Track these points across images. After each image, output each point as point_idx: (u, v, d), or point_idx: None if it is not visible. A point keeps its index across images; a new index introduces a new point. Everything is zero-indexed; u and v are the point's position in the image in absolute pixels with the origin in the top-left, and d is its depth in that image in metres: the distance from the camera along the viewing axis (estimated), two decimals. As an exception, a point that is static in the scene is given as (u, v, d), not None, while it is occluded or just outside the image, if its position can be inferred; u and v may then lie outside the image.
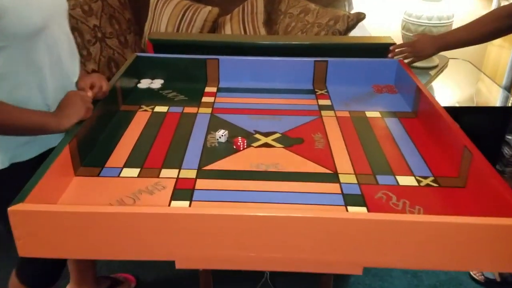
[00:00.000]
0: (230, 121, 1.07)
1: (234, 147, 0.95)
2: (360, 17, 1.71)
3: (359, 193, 0.81)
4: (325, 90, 1.26)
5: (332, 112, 1.13)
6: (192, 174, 0.86)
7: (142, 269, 1.54)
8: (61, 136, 0.93)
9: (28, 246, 0.68)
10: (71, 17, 1.93)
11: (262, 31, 1.94)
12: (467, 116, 1.70)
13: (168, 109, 1.13)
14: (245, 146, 0.96)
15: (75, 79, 1.00)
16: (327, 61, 1.27)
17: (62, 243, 0.67)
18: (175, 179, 0.84)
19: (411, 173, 0.87)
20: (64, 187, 0.81)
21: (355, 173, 0.87)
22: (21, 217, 0.65)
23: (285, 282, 1.27)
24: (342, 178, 0.85)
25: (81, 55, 1.93)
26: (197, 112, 1.12)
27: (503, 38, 1.36)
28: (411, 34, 2.03)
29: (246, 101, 1.20)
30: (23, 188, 0.70)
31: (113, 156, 0.92)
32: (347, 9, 2.07)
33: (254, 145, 0.97)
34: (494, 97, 1.94)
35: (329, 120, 1.09)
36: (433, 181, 0.85)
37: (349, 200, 0.79)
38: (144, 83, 1.28)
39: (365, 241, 0.65)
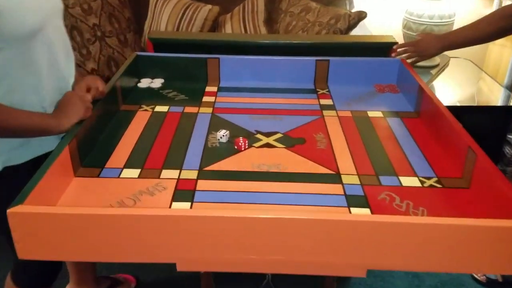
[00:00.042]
0: (231, 121, 1.07)
1: (236, 147, 0.95)
2: (361, 16, 1.70)
3: (362, 194, 0.80)
4: (327, 90, 1.25)
5: (334, 112, 1.12)
6: (193, 174, 0.86)
7: (142, 270, 1.54)
8: (57, 139, 0.93)
9: (27, 249, 0.67)
10: (70, 15, 1.92)
11: (263, 30, 1.93)
12: (468, 116, 1.69)
13: (169, 108, 1.12)
14: (247, 147, 0.95)
15: (71, 80, 0.99)
16: (328, 60, 1.26)
17: (62, 245, 0.67)
18: (176, 180, 0.84)
19: (414, 174, 0.86)
20: (63, 188, 0.80)
21: (357, 174, 0.86)
22: (20, 219, 0.65)
23: (287, 283, 1.26)
24: (345, 179, 0.84)
25: (80, 54, 1.92)
26: (198, 112, 1.11)
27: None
28: (413, 33, 2.03)
29: (247, 100, 1.19)
30: (22, 190, 0.69)
31: (113, 156, 0.91)
32: (348, 7, 2.06)
33: (255, 145, 0.96)
34: (496, 96, 1.93)
35: (331, 120, 1.08)
36: (436, 181, 0.84)
37: (352, 201, 0.78)
38: (144, 83, 1.27)
39: (368, 244, 0.64)
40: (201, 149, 0.94)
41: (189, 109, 1.12)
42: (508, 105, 1.79)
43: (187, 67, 1.28)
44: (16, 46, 0.82)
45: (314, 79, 1.29)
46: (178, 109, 1.12)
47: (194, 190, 0.81)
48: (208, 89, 1.25)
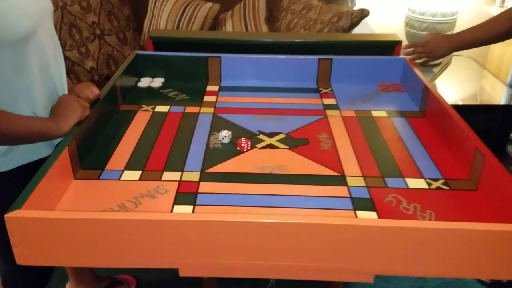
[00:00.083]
0: (233, 121, 1.05)
1: (238, 148, 0.93)
2: (364, 13, 1.68)
3: (368, 196, 0.78)
4: (330, 89, 1.23)
5: (338, 111, 1.10)
6: (195, 177, 0.84)
7: (142, 271, 1.52)
8: (47, 147, 0.91)
9: (26, 254, 0.65)
10: (69, 13, 1.90)
11: (264, 28, 1.91)
12: (471, 115, 1.68)
13: (169, 108, 1.11)
14: (249, 148, 0.93)
15: (63, 83, 0.97)
16: (331, 59, 1.25)
17: (61, 250, 0.65)
18: (177, 182, 0.82)
19: (421, 176, 0.84)
20: (63, 191, 0.78)
21: (363, 176, 0.84)
22: (18, 224, 0.63)
23: (291, 287, 1.24)
24: (350, 181, 0.83)
25: (79, 52, 1.90)
26: (199, 112, 1.09)
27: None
28: (415, 31, 2.01)
29: (249, 100, 1.17)
30: (21, 193, 0.67)
31: (114, 158, 0.89)
32: (350, 5, 2.04)
33: (258, 146, 0.94)
34: (498, 95, 1.91)
35: (335, 120, 1.06)
36: (443, 183, 0.82)
37: (358, 204, 0.76)
38: (145, 82, 1.25)
39: (376, 249, 0.63)
40: (203, 150, 0.92)
41: (190, 109, 1.10)
42: (511, 104, 1.77)
43: (188, 66, 1.26)
44: (8, 51, 0.80)
45: (317, 78, 1.27)
46: (179, 109, 1.11)
47: (196, 192, 0.79)
48: (209, 88, 1.23)
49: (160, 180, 0.83)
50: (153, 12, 2.09)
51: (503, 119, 1.78)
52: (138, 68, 1.27)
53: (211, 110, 1.10)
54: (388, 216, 0.73)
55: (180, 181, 0.82)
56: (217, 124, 1.03)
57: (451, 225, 0.63)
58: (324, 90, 1.22)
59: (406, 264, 0.64)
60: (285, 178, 0.84)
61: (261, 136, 0.98)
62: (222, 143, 0.95)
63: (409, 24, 2.03)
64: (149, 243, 0.64)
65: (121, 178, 0.83)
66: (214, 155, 0.91)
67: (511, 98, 1.81)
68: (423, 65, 1.26)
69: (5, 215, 0.62)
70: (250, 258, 0.65)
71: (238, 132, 0.99)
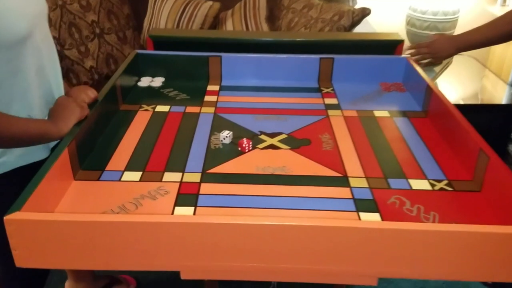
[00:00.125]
0: (234, 121, 1.04)
1: (239, 148, 0.92)
2: (365, 12, 1.67)
3: (371, 198, 0.78)
4: (331, 88, 1.22)
5: (339, 111, 1.09)
6: (196, 177, 0.83)
7: (142, 271, 1.51)
8: (43, 150, 0.90)
9: (25, 256, 0.64)
10: (68, 12, 1.89)
11: (265, 26, 1.90)
12: (472, 114, 1.67)
13: (170, 108, 1.10)
14: (250, 148, 0.92)
15: (59, 86, 0.95)
16: (333, 58, 1.24)
17: (61, 253, 0.64)
18: (178, 183, 0.81)
19: (424, 177, 0.83)
20: (62, 192, 0.77)
21: (365, 177, 0.83)
22: (17, 226, 0.62)
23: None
24: (353, 182, 0.82)
25: (79, 51, 1.89)
26: (200, 112, 1.08)
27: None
28: (416, 30, 2.00)
29: (250, 100, 1.16)
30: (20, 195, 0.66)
31: (114, 158, 0.88)
32: (351, 4, 2.03)
33: (259, 147, 0.94)
34: (500, 94, 1.91)
35: (337, 120, 1.05)
36: (447, 184, 0.81)
37: (361, 205, 0.76)
38: (145, 81, 1.24)
39: (380, 251, 0.62)
40: (204, 151, 0.92)
41: (190, 109, 1.10)
42: (513, 103, 1.76)
43: (188, 65, 1.25)
44: (5, 53, 0.79)
45: (318, 77, 1.26)
46: (180, 109, 1.10)
47: (198, 194, 0.78)
48: (209, 88, 1.22)
49: (160, 181, 0.82)
50: (153, 11, 2.08)
51: (504, 119, 1.77)
52: (138, 67, 1.26)
53: (211, 110, 1.10)
54: (391, 218, 0.72)
55: (181, 182, 0.81)
56: (218, 124, 1.02)
57: (456, 228, 0.63)
58: (326, 90, 1.21)
59: (410, 267, 0.63)
60: (287, 179, 0.83)
61: (263, 137, 0.98)
62: (223, 144, 0.94)
63: (410, 23, 2.02)
64: (150, 246, 0.63)
65: (122, 179, 0.82)
66: (215, 155, 0.90)
67: (512, 97, 1.81)
68: (427, 66, 1.26)
69: (5, 217, 0.62)
70: (252, 260, 0.64)
71: (239, 132, 0.98)
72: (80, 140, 0.84)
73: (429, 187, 0.81)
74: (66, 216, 0.64)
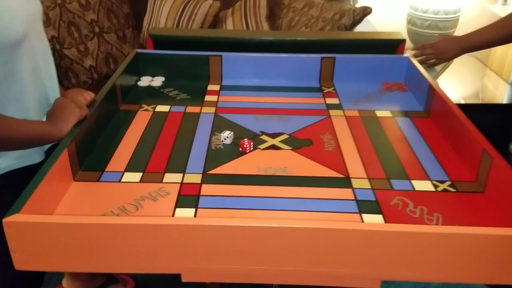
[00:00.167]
0: (235, 121, 1.03)
1: (240, 149, 0.91)
2: (366, 11, 1.66)
3: (374, 199, 0.77)
4: (333, 88, 1.21)
5: (341, 111, 1.08)
6: (197, 178, 0.82)
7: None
8: (37, 153, 0.88)
9: (24, 259, 0.64)
10: (67, 11, 1.88)
11: (265, 25, 1.89)
12: (473, 113, 1.67)
13: (170, 108, 1.09)
14: (252, 149, 0.92)
15: (55, 88, 0.94)
16: (334, 57, 1.23)
17: (61, 255, 0.63)
18: (179, 184, 0.80)
19: (427, 177, 0.83)
20: (62, 194, 0.77)
21: (368, 178, 0.83)
22: (16, 229, 0.61)
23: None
24: (355, 183, 0.81)
25: (78, 50, 1.88)
26: (200, 112, 1.08)
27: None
28: (417, 29, 2.00)
29: (251, 100, 1.15)
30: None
31: (114, 159, 0.88)
32: (351, 2, 2.02)
33: (260, 147, 0.93)
34: (501, 94, 1.90)
35: (338, 120, 1.04)
36: (450, 185, 0.81)
37: (363, 207, 0.75)
38: (145, 81, 1.24)
39: (383, 254, 0.61)
40: (205, 151, 0.91)
41: (191, 109, 1.09)
42: (514, 102, 1.76)
43: (189, 64, 1.25)
44: (0, 55, 0.78)
45: (319, 77, 1.25)
46: (180, 108, 1.09)
47: (198, 195, 0.78)
48: (210, 87, 1.22)
49: (161, 182, 0.81)
50: (152, 10, 2.07)
51: (505, 118, 1.76)
52: (138, 67, 1.25)
53: (212, 110, 1.09)
54: (394, 219, 0.72)
55: (181, 183, 0.81)
56: (219, 124, 1.02)
57: (459, 230, 0.62)
58: (327, 90, 1.21)
59: (414, 269, 0.63)
60: (289, 180, 0.82)
61: (264, 137, 0.97)
62: (224, 144, 0.94)
63: (411, 22, 2.01)
64: (151, 248, 0.62)
65: (122, 180, 0.81)
66: (216, 156, 0.90)
67: (513, 96, 1.80)
68: (430, 67, 1.25)
69: (3, 220, 0.61)
70: (254, 263, 0.63)
71: (240, 132, 0.98)
72: (79, 140, 0.83)
73: (432, 188, 0.80)
74: (65, 218, 0.64)
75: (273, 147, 0.93)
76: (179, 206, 0.75)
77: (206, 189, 0.79)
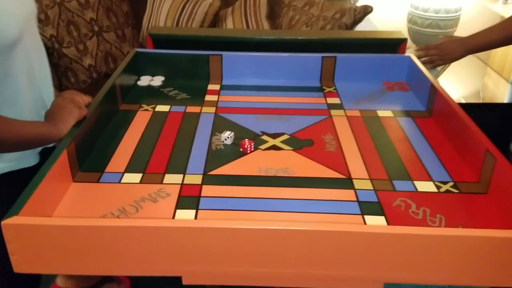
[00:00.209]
0: (235, 121, 1.02)
1: (241, 149, 0.90)
2: (367, 10, 1.66)
3: (376, 200, 0.76)
4: (333, 88, 1.21)
5: (342, 111, 1.08)
6: (197, 179, 0.81)
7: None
8: (32, 156, 0.87)
9: (23, 262, 0.63)
10: (66, 10, 1.87)
11: (265, 24, 1.88)
12: (473, 113, 1.66)
13: (170, 108, 1.08)
14: (252, 149, 0.91)
15: (49, 90, 0.92)
16: (335, 57, 1.22)
17: (60, 258, 0.63)
18: (179, 185, 0.80)
19: (430, 178, 0.82)
20: (61, 195, 0.76)
21: (370, 178, 0.82)
22: (15, 231, 0.61)
23: None
24: (357, 184, 0.80)
25: (77, 49, 1.87)
26: (200, 112, 1.07)
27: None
28: (418, 28, 1.99)
29: (251, 99, 1.14)
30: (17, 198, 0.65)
31: (114, 160, 0.87)
32: (352, 1, 2.01)
33: (261, 148, 0.92)
34: (502, 93, 1.90)
35: (339, 120, 1.04)
36: (452, 186, 0.80)
37: (366, 208, 0.74)
38: (144, 80, 1.23)
39: (386, 256, 0.61)
40: (205, 152, 0.90)
41: (191, 109, 1.08)
42: (515, 101, 1.75)
43: (188, 64, 1.24)
44: None
45: (320, 76, 1.24)
46: (180, 108, 1.08)
47: (199, 196, 0.77)
48: (210, 87, 1.21)
49: (161, 183, 0.80)
50: (152, 9, 2.06)
51: (506, 117, 1.76)
52: (138, 66, 1.24)
53: (212, 109, 1.08)
54: (397, 221, 0.71)
55: (182, 184, 0.80)
56: (219, 124, 1.01)
57: (463, 232, 0.62)
58: (328, 89, 1.20)
59: (417, 272, 0.62)
60: (290, 181, 0.82)
61: (265, 137, 0.96)
62: (224, 144, 0.93)
63: (411, 20, 2.00)
64: (151, 251, 0.62)
65: (122, 181, 0.81)
66: (216, 156, 0.89)
67: (514, 95, 1.80)
68: (434, 67, 1.24)
69: (2, 222, 0.60)
70: (255, 265, 0.63)
71: (241, 132, 0.97)
72: (79, 141, 0.82)
73: (434, 189, 0.79)
74: (65, 220, 0.63)
75: (274, 147, 0.93)
76: (179, 208, 0.74)
77: (207, 190, 0.79)
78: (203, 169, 0.85)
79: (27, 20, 0.82)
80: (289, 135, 0.97)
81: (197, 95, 1.15)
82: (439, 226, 0.70)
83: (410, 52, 1.27)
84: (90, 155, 0.88)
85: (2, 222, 0.60)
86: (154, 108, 1.08)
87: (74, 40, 1.87)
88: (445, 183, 0.81)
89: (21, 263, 0.63)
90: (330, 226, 0.62)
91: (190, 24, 1.95)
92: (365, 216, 0.72)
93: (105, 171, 0.83)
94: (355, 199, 0.76)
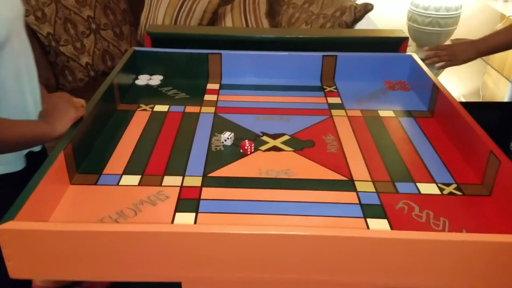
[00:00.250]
0: (235, 122, 1.01)
1: (241, 151, 0.89)
2: (367, 8, 1.64)
3: (378, 203, 0.75)
4: (334, 87, 1.19)
5: (343, 111, 1.06)
6: (197, 181, 0.80)
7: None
8: (18, 160, 0.85)
9: (19, 267, 0.61)
10: (63, 7, 1.85)
11: (265, 22, 1.86)
12: (473, 112, 1.65)
13: (169, 108, 1.07)
14: (253, 150, 0.89)
15: (35, 92, 0.88)
16: (336, 55, 1.21)
17: (57, 264, 0.61)
18: (179, 188, 0.78)
19: (433, 180, 0.81)
20: (59, 198, 0.74)
21: (372, 180, 0.81)
22: (11, 236, 0.59)
23: None
24: (359, 186, 0.79)
25: (74, 47, 1.85)
26: (200, 112, 1.05)
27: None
28: (418, 26, 1.97)
29: (251, 99, 1.13)
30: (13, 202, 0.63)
31: (112, 161, 0.85)
32: (352, -1, 1.99)
33: (262, 149, 0.91)
34: (502, 92, 1.88)
35: (340, 120, 1.02)
36: (456, 188, 0.79)
37: (368, 211, 0.73)
38: (142, 80, 1.21)
39: (390, 261, 0.60)
40: (205, 153, 0.89)
41: (190, 109, 1.06)
42: (515, 100, 1.74)
43: (187, 63, 1.22)
44: None
45: (321, 75, 1.23)
46: (179, 108, 1.06)
47: (199, 199, 0.76)
48: (209, 86, 1.19)
49: (160, 185, 0.79)
50: (150, 6, 2.04)
51: (506, 116, 1.75)
52: (136, 65, 1.22)
53: (212, 109, 1.06)
54: (400, 225, 0.70)
55: (181, 187, 0.79)
56: (219, 124, 0.99)
57: (468, 237, 0.61)
58: (329, 89, 1.18)
59: (422, 278, 0.61)
60: (291, 183, 0.80)
61: (265, 138, 0.95)
62: (224, 145, 0.91)
63: (412, 18, 1.99)
64: (150, 256, 0.60)
65: (120, 183, 0.79)
66: (216, 158, 0.87)
67: (515, 94, 1.79)
68: (442, 69, 1.23)
69: (-2, 227, 0.59)
70: (257, 271, 0.62)
71: (241, 133, 0.95)
72: (76, 142, 0.81)
73: (437, 192, 0.78)
74: (62, 225, 0.61)
75: (275, 148, 0.91)
76: (179, 211, 0.73)
77: (207, 192, 0.77)
78: (203, 171, 0.83)
79: (14, 21, 0.80)
80: (290, 135, 0.96)
81: (196, 95, 1.13)
82: (443, 229, 0.69)
83: (411, 51, 1.26)
84: (88, 156, 0.86)
85: (-2, 227, 0.59)
86: (152, 108, 1.06)
87: (71, 38, 1.85)
88: (448, 185, 0.80)
89: (17, 269, 0.61)
90: (333, 231, 0.60)
91: (188, 21, 1.93)
92: (368, 220, 0.71)
93: (103, 173, 0.82)
94: (357, 202, 0.75)
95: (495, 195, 0.76)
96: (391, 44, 1.25)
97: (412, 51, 1.25)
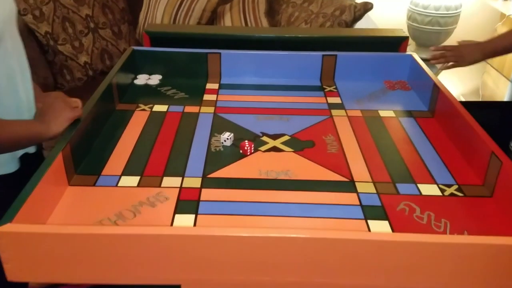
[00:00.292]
0: (234, 122, 1.00)
1: (241, 151, 0.89)
2: (367, 7, 1.63)
3: (379, 204, 0.75)
4: (334, 87, 1.19)
5: (343, 111, 1.06)
6: (196, 183, 0.80)
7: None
8: (13, 161, 0.84)
9: (17, 270, 0.61)
10: (62, 6, 1.84)
11: (264, 21, 1.86)
12: (473, 111, 1.65)
13: (168, 108, 1.06)
14: (252, 151, 0.89)
15: (28, 93, 0.87)
16: (336, 55, 1.20)
17: (55, 266, 0.61)
18: (178, 189, 0.78)
19: (434, 181, 0.81)
20: (57, 199, 0.74)
21: (373, 181, 0.80)
22: (9, 239, 0.58)
23: None
24: (360, 187, 0.79)
25: (72, 46, 1.84)
26: (199, 112, 1.05)
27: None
28: (418, 25, 1.97)
29: (251, 99, 1.12)
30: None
31: (110, 162, 0.85)
32: (351, -2, 1.99)
33: (261, 149, 0.90)
34: (501, 91, 1.88)
35: (341, 120, 1.02)
36: (457, 189, 0.79)
37: (369, 212, 0.73)
38: (141, 79, 1.20)
39: (391, 264, 0.59)
40: (204, 154, 0.88)
41: (189, 109, 1.06)
42: (515, 99, 1.74)
43: (187, 62, 1.21)
44: None
45: (320, 75, 1.22)
46: (178, 108, 1.06)
47: (198, 200, 0.75)
48: (208, 86, 1.19)
49: (159, 186, 0.78)
50: (148, 5, 2.03)
51: (506, 116, 1.74)
52: (135, 64, 1.22)
53: (211, 109, 1.06)
54: (401, 227, 0.69)
55: (181, 188, 0.78)
56: (218, 125, 0.99)
57: (470, 239, 0.61)
58: (329, 88, 1.18)
59: (424, 280, 0.60)
60: (291, 183, 0.80)
61: (265, 138, 0.94)
62: (224, 146, 0.91)
63: (411, 18, 1.98)
64: (149, 259, 0.60)
65: (119, 185, 0.79)
66: (216, 158, 0.87)
67: (514, 93, 1.78)
68: (446, 69, 1.23)
69: (-5, 229, 0.58)
70: (257, 274, 0.61)
71: (240, 133, 0.95)
72: (75, 143, 0.80)
73: (439, 193, 0.78)
74: (60, 228, 0.61)
75: (275, 149, 0.91)
76: (178, 212, 0.72)
77: (206, 193, 0.77)
78: (202, 172, 0.83)
79: (7, 21, 0.79)
80: (290, 136, 0.95)
81: (196, 94, 1.13)
82: (444, 231, 0.69)
83: (411, 50, 1.26)
84: (86, 157, 0.86)
85: (-5, 230, 0.58)
86: (151, 108, 1.06)
87: (70, 37, 1.84)
88: (449, 186, 0.79)
89: (15, 272, 0.61)
90: (334, 233, 0.60)
91: (187, 21, 1.92)
92: (369, 221, 0.71)
93: (102, 174, 0.81)
94: (358, 203, 0.75)
95: (496, 196, 0.76)
96: (391, 43, 1.25)
97: (411, 51, 1.25)
